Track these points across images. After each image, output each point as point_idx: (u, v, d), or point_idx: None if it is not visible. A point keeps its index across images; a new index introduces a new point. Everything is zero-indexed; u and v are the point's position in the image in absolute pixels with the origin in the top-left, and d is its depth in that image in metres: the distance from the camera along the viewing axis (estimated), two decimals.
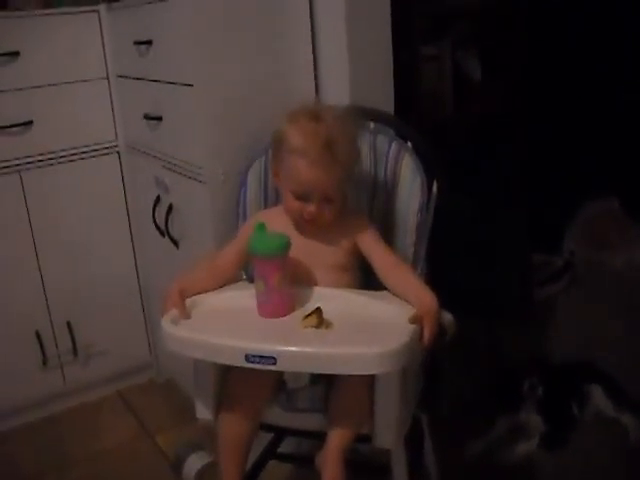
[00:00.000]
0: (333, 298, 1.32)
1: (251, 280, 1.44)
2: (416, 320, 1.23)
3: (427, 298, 1.28)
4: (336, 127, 1.33)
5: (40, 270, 2.16)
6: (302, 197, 1.35)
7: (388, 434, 1.29)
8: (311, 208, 1.34)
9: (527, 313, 2.43)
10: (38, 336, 2.18)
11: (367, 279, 1.45)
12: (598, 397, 2.04)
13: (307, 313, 1.26)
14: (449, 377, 1.71)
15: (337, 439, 1.27)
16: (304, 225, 1.39)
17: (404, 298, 1.31)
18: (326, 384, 1.33)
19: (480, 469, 1.88)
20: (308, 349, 1.17)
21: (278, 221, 1.40)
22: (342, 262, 1.40)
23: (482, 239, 2.17)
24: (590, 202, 2.96)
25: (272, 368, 1.18)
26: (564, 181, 2.75)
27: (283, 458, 1.78)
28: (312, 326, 1.24)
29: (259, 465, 1.66)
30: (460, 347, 1.51)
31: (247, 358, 1.18)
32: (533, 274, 2.59)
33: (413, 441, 1.51)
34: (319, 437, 1.37)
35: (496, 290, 2.25)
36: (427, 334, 1.23)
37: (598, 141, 2.83)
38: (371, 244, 1.39)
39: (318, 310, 1.26)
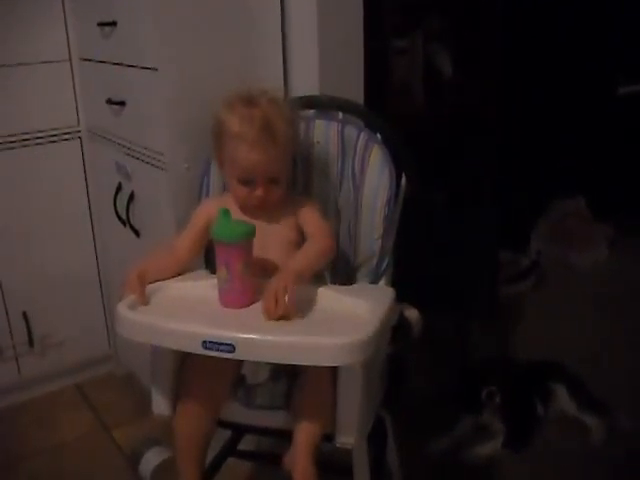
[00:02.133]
0: (297, 290, 1.28)
1: (211, 270, 1.41)
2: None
3: (290, 267, 1.26)
4: (271, 109, 1.34)
5: None
6: (247, 181, 1.35)
7: (350, 432, 1.26)
8: (259, 192, 1.35)
9: (493, 311, 2.43)
10: None
11: None
12: (562, 396, 2.04)
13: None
14: (413, 375, 1.69)
15: (305, 437, 1.24)
16: (253, 209, 1.38)
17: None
18: (287, 380, 1.30)
19: (443, 468, 1.87)
20: (268, 337, 1.13)
21: (230, 206, 1.36)
22: (293, 238, 1.39)
23: (450, 235, 2.15)
24: (557, 201, 2.98)
25: (230, 356, 1.13)
26: (532, 180, 2.75)
27: (243, 456, 1.74)
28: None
29: (217, 463, 1.62)
30: (425, 344, 1.49)
31: (204, 344, 1.14)
32: (500, 272, 2.58)
33: (376, 440, 1.48)
34: (279, 435, 1.34)
35: (463, 287, 2.23)
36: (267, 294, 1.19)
37: (566, 141, 2.84)
38: (306, 215, 1.40)
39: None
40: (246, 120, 1.32)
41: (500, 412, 1.94)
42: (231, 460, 1.68)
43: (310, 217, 1.40)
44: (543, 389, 2.06)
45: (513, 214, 2.59)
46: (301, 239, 1.40)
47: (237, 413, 1.34)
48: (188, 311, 1.24)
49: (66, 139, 2.12)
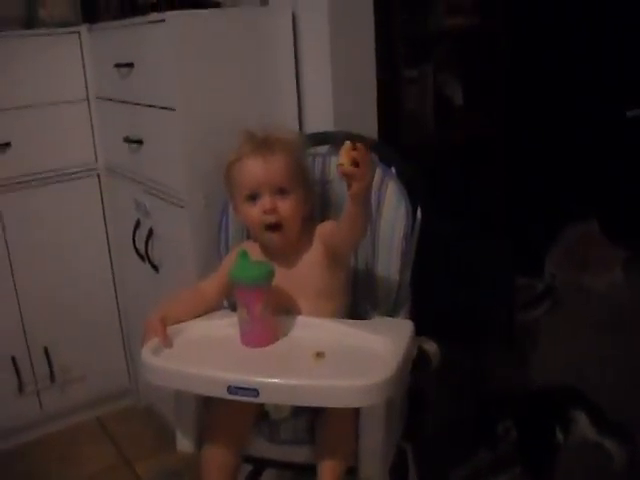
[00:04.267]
0: (316, 327, 1.30)
1: (233, 308, 1.43)
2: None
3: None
4: (271, 133, 1.38)
5: (17, 294, 2.11)
6: (254, 197, 1.35)
7: (373, 466, 1.27)
8: (265, 202, 1.34)
9: (510, 337, 2.42)
10: (14, 362, 2.13)
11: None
12: (582, 422, 2.03)
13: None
14: (431, 406, 1.69)
15: (330, 474, 1.25)
16: (274, 241, 1.37)
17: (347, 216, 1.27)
18: (309, 415, 1.31)
19: None
20: (292, 381, 1.15)
21: (254, 253, 1.38)
22: (323, 285, 1.38)
23: (466, 263, 2.16)
24: (570, 225, 2.97)
25: (254, 400, 1.16)
26: (545, 205, 2.76)
27: None
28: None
29: None
30: (442, 374, 1.49)
31: (229, 390, 1.16)
32: (516, 298, 2.58)
33: (397, 471, 1.49)
34: (301, 469, 1.35)
35: (479, 314, 2.24)
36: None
37: (578, 165, 2.85)
38: (332, 228, 1.37)
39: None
40: (244, 142, 1.38)
41: (516, 446, 1.94)
42: None
43: (331, 226, 1.38)
44: (562, 416, 2.05)
45: (527, 239, 2.60)
46: (331, 277, 1.39)
47: (261, 448, 1.36)
48: (211, 354, 1.26)
49: (85, 176, 2.15)
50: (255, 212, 1.36)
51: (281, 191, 1.35)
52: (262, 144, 1.35)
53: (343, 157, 1.17)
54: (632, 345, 2.46)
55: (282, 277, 1.32)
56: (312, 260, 1.39)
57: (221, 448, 1.31)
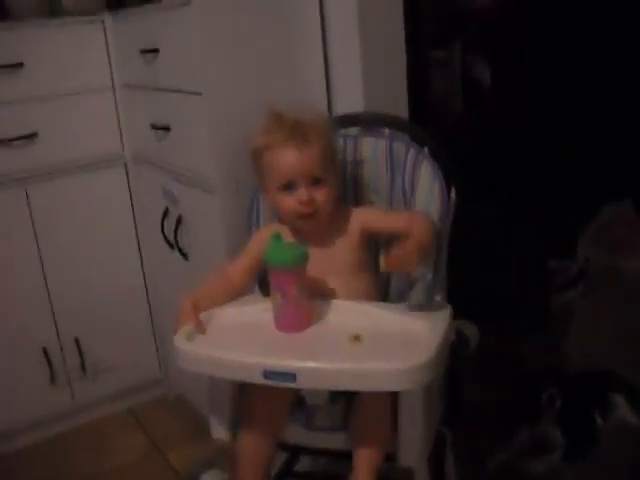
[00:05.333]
0: (352, 310, 1.27)
1: (264, 293, 1.40)
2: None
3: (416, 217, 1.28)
4: (300, 117, 1.34)
5: (47, 285, 2.12)
6: (289, 187, 1.32)
7: (412, 452, 1.24)
8: (301, 194, 1.31)
9: (544, 320, 2.38)
10: (46, 353, 2.14)
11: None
12: (621, 406, 1.99)
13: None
14: (469, 389, 1.66)
15: (366, 464, 1.23)
16: (306, 227, 1.36)
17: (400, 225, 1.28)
18: (346, 402, 1.29)
19: None
20: (330, 365, 1.12)
21: (285, 235, 1.36)
22: (356, 263, 1.37)
23: (498, 246, 2.12)
24: (605, 207, 2.92)
25: (291, 386, 1.13)
26: (578, 185, 2.71)
27: (299, 477, 1.73)
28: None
29: None
30: (478, 356, 1.46)
31: (265, 375, 1.13)
32: (550, 281, 2.54)
33: (435, 457, 1.46)
34: (337, 456, 1.33)
35: (513, 298, 2.20)
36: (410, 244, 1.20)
37: (613, 144, 2.79)
38: (378, 214, 1.39)
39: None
40: (274, 128, 1.34)
41: (560, 418, 1.90)
42: None
43: (380, 214, 1.39)
44: (601, 399, 2.01)
45: (560, 221, 2.55)
46: (365, 262, 1.38)
47: (297, 434, 1.34)
48: (246, 339, 1.23)
49: (112, 165, 2.14)
50: (291, 202, 1.33)
51: (316, 180, 1.33)
52: (294, 132, 1.31)
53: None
54: None
55: (314, 257, 1.29)
56: (346, 242, 1.37)
57: (257, 435, 1.29)
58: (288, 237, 1.36)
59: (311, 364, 1.12)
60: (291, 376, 1.12)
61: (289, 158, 1.31)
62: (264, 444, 1.29)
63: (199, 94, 1.64)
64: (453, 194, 1.44)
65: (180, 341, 1.22)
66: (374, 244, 1.42)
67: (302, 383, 1.13)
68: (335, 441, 1.31)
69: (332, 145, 1.38)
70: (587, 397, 2.02)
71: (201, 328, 1.25)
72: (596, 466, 1.86)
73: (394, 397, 1.22)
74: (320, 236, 1.37)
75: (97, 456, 2.11)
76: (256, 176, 1.41)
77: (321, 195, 1.33)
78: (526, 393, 1.97)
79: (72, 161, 2.08)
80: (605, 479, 1.82)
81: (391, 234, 1.32)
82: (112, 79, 2.09)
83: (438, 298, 1.39)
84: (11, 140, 1.97)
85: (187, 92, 1.70)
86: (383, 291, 1.45)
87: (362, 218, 1.38)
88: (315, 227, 1.36)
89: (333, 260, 1.35)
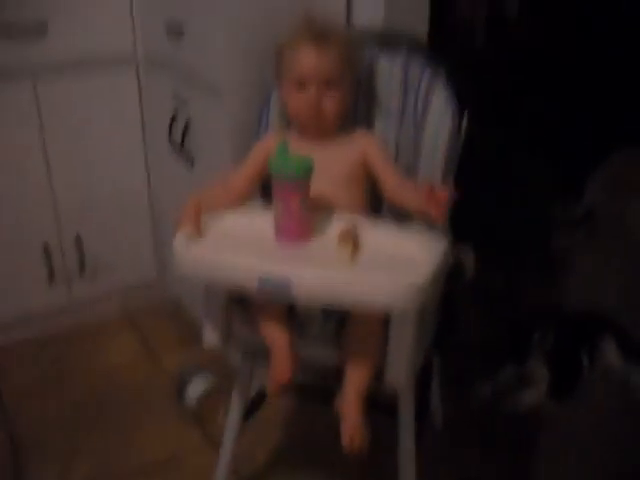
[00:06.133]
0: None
1: (267, 201, 1.40)
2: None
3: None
4: (327, 23, 1.37)
5: (51, 182, 2.11)
6: (302, 85, 1.33)
7: (400, 373, 1.25)
8: (311, 96, 1.32)
9: (544, 259, 2.38)
10: (46, 249, 2.14)
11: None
12: (609, 349, 2.01)
13: (342, 233, 1.21)
14: (462, 322, 1.68)
15: (355, 383, 1.24)
16: (310, 128, 1.37)
17: (416, 203, 1.25)
18: (338, 321, 1.30)
19: (486, 415, 1.86)
20: (325, 275, 1.12)
21: (291, 142, 1.33)
22: (347, 173, 1.37)
23: (506, 177, 2.11)
24: (617, 151, 2.88)
25: (286, 295, 1.13)
26: (594, 127, 2.67)
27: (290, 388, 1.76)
28: (349, 248, 1.19)
29: (260, 399, 1.64)
30: (475, 289, 1.47)
31: (260, 282, 1.13)
32: (553, 222, 2.53)
33: (421, 380, 1.48)
34: (325, 373, 1.34)
35: (516, 232, 2.20)
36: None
37: (631, 89, 2.74)
38: (381, 160, 1.37)
39: (353, 230, 1.21)
40: (301, 29, 1.35)
41: (548, 358, 1.92)
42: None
43: (385, 165, 1.37)
44: (590, 340, 2.03)
45: (572, 162, 2.53)
46: (361, 176, 1.38)
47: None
48: (244, 247, 1.23)
49: (122, 65, 2.10)
50: (300, 102, 1.34)
51: (328, 83, 1.33)
52: (318, 33, 1.33)
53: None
54: None
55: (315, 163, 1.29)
56: (346, 156, 1.37)
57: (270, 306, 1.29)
58: (294, 145, 1.34)
59: (307, 272, 1.12)
60: (286, 285, 1.12)
61: (306, 56, 1.32)
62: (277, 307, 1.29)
63: None
64: (465, 120, 1.42)
65: (179, 242, 1.22)
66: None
67: (297, 293, 1.13)
68: (325, 355, 1.32)
69: (353, 55, 1.38)
70: (578, 338, 2.03)
71: (200, 231, 1.25)
72: (580, 406, 1.89)
73: (386, 318, 1.23)
74: (324, 144, 1.37)
75: (91, 354, 2.14)
76: (276, 75, 1.41)
77: (330, 100, 1.34)
78: (519, 331, 1.99)
79: (83, 58, 2.04)
80: (587, 419, 1.85)
81: (376, 180, 1.35)
82: None
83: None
84: (21, 31, 1.92)
85: None
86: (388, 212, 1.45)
87: (366, 144, 1.38)
88: (319, 133, 1.37)
89: (330, 170, 1.34)
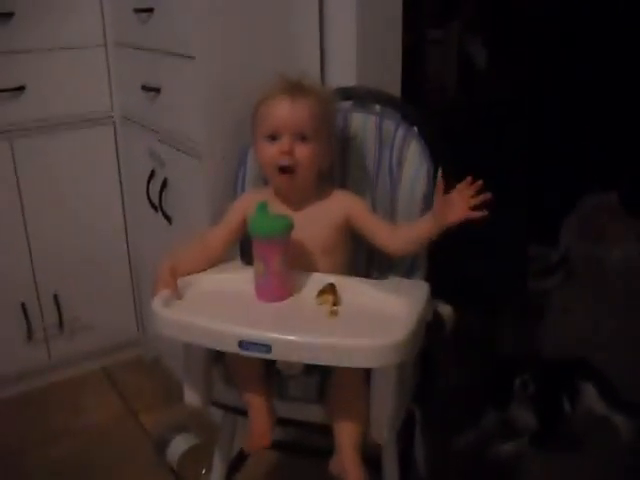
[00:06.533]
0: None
1: (246, 260, 1.40)
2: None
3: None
4: (304, 80, 1.36)
5: (28, 240, 2.10)
6: (274, 137, 1.32)
7: (383, 428, 1.25)
8: (283, 143, 1.31)
9: (522, 306, 2.40)
10: (24, 308, 2.13)
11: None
12: (590, 395, 2.02)
13: (321, 290, 1.22)
14: (442, 370, 1.68)
15: (350, 440, 1.23)
16: (284, 186, 1.36)
17: (417, 237, 1.31)
18: (321, 374, 1.29)
19: (469, 464, 1.86)
20: (305, 338, 1.12)
21: (271, 204, 1.34)
22: (332, 242, 1.36)
23: (480, 229, 2.13)
24: (588, 196, 2.93)
25: (266, 357, 1.13)
26: (564, 174, 2.71)
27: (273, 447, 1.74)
28: (329, 303, 1.21)
29: (244, 455, 1.63)
30: (454, 338, 1.48)
31: (241, 345, 1.13)
32: (529, 267, 2.56)
33: (404, 433, 1.48)
34: (308, 427, 1.33)
35: (493, 282, 2.21)
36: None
37: (599, 134, 2.80)
38: (368, 216, 1.37)
39: (332, 287, 1.23)
40: (274, 85, 1.35)
41: (532, 403, 1.93)
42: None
43: (370, 217, 1.37)
44: (571, 387, 2.04)
45: (544, 208, 2.56)
46: (343, 243, 1.38)
47: None
48: (224, 308, 1.23)
49: (100, 124, 2.12)
50: (272, 152, 1.32)
51: (302, 137, 1.32)
52: (293, 87, 1.33)
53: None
54: None
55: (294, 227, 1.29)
56: (327, 220, 1.36)
57: (247, 362, 1.26)
58: (273, 206, 1.35)
59: (287, 336, 1.12)
60: (266, 347, 1.12)
61: (280, 107, 1.32)
62: (255, 365, 1.28)
63: (192, 58, 1.63)
64: (440, 174, 1.44)
65: (157, 306, 1.22)
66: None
67: (277, 355, 1.13)
68: (308, 413, 1.31)
69: (328, 111, 1.38)
70: (558, 384, 2.04)
71: (177, 294, 1.25)
72: (563, 453, 1.89)
73: (367, 372, 1.23)
74: (303, 207, 1.37)
75: (70, 414, 2.11)
76: (252, 133, 1.40)
77: (302, 150, 1.32)
78: (499, 377, 1.99)
79: (60, 117, 2.06)
80: (572, 465, 1.85)
81: (369, 238, 1.36)
82: (105, 36, 2.06)
83: (417, 275, 1.40)
84: None
85: (180, 55, 1.68)
86: (365, 268, 1.46)
87: (348, 204, 1.37)
88: (292, 187, 1.35)
89: (311, 234, 1.34)
